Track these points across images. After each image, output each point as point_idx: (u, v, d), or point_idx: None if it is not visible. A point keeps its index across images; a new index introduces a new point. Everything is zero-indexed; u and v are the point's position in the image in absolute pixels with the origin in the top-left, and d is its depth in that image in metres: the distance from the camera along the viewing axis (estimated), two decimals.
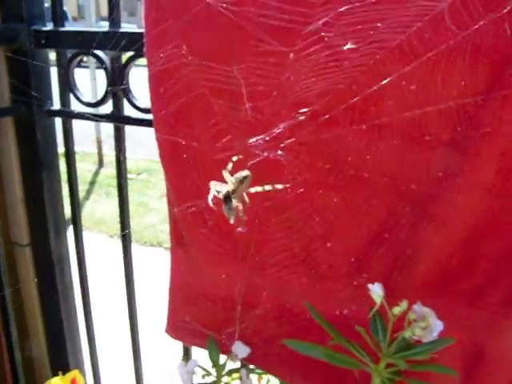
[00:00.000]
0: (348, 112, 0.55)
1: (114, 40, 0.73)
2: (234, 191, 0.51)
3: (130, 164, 4.31)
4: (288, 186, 0.55)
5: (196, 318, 0.78)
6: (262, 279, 0.71)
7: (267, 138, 0.54)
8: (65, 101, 0.83)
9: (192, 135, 0.65)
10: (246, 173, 0.52)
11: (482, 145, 0.53)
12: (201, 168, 0.65)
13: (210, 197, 0.54)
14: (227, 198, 0.50)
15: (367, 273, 0.65)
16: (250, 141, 0.54)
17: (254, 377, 0.77)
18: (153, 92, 0.66)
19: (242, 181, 0.51)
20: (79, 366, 0.99)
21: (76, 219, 0.89)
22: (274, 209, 0.63)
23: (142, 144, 4.65)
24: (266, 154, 0.54)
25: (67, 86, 0.81)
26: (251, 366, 0.77)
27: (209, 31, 0.60)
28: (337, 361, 0.55)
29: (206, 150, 0.62)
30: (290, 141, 0.54)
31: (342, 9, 0.51)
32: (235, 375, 0.76)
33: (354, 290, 0.66)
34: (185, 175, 0.67)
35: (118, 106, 0.78)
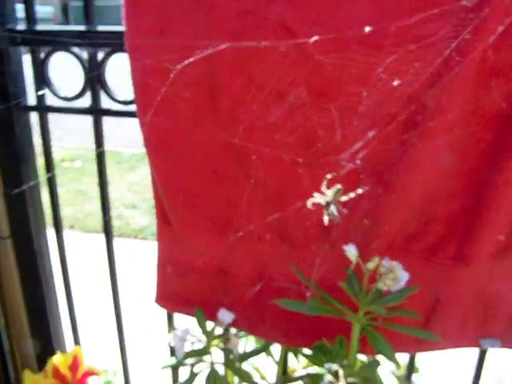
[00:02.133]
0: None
1: (89, 38, 0.78)
2: (331, 201, 0.63)
3: (62, 152, 4.26)
4: (366, 189, 0.65)
5: (183, 289, 0.84)
6: (242, 251, 0.78)
7: (350, 153, 0.64)
8: (40, 96, 0.87)
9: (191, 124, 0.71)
10: (338, 186, 0.63)
11: (435, 123, 0.62)
12: (197, 155, 0.72)
13: (310, 203, 0.64)
14: (327, 205, 0.62)
15: (336, 238, 0.73)
16: (341, 156, 0.64)
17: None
18: (138, 86, 0.71)
19: (336, 193, 0.63)
20: (63, 351, 1.03)
21: (56, 211, 0.93)
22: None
23: (71, 132, 4.60)
24: (350, 165, 0.64)
25: (43, 82, 0.85)
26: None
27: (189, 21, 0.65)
28: (322, 311, 0.64)
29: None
30: (363, 153, 0.64)
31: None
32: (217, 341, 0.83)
33: (324, 254, 0.75)
34: (172, 161, 0.73)
35: (96, 99, 0.83)
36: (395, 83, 0.59)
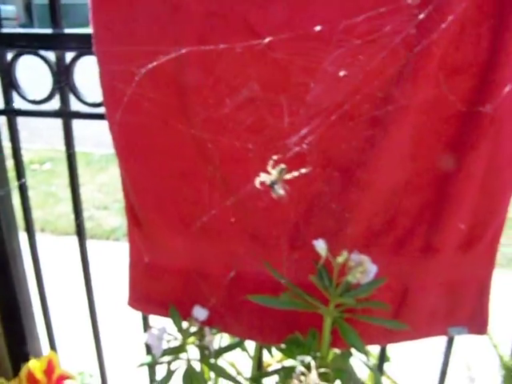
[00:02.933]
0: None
1: (57, 41, 0.78)
2: (276, 180, 0.66)
3: (31, 154, 4.20)
4: (310, 169, 0.68)
5: (156, 290, 0.85)
6: (213, 250, 0.79)
7: (297, 138, 0.67)
8: (8, 99, 0.86)
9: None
10: (282, 166, 0.66)
11: (397, 118, 0.65)
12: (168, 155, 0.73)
13: (257, 182, 0.66)
14: (273, 184, 0.65)
15: (306, 235, 0.75)
16: (287, 141, 0.67)
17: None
18: (106, 87, 0.71)
19: (280, 172, 0.65)
20: (38, 355, 1.03)
21: (27, 213, 0.93)
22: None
23: (39, 134, 4.53)
24: (296, 148, 0.67)
25: (10, 85, 0.84)
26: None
27: (155, 24, 0.66)
28: (294, 305, 0.66)
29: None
30: (311, 138, 0.67)
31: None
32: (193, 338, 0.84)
33: (294, 251, 0.76)
34: (141, 162, 0.74)
35: (65, 102, 0.83)
36: (340, 74, 0.62)
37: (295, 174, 0.66)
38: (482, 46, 0.61)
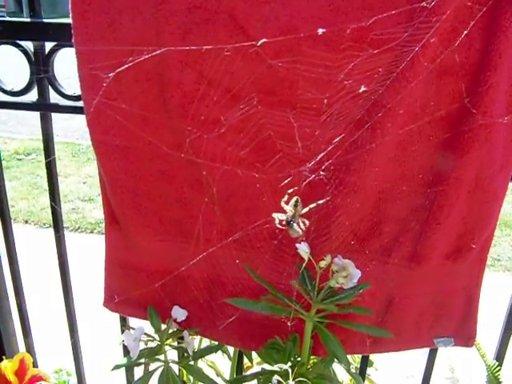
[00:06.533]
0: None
1: (36, 30, 0.75)
2: (293, 216, 0.62)
3: (16, 144, 4.15)
4: (329, 198, 0.66)
5: (133, 291, 0.82)
6: (192, 252, 0.77)
7: (312, 164, 0.65)
8: None
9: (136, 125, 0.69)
10: (295, 198, 0.63)
11: (384, 122, 0.63)
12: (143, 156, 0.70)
13: (277, 222, 0.64)
14: (289, 223, 0.62)
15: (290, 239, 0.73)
16: (301, 168, 0.65)
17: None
18: (84, 81, 0.69)
19: (295, 205, 0.62)
20: (15, 352, 1.00)
21: (3, 206, 0.90)
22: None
23: (26, 123, 4.47)
24: (313, 176, 0.65)
25: None
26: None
27: (138, 16, 0.63)
28: (275, 310, 0.64)
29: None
30: (327, 163, 0.65)
31: None
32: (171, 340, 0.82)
33: (275, 255, 0.74)
34: (118, 159, 0.71)
35: (43, 94, 0.80)
36: (360, 89, 0.59)
37: (312, 206, 0.63)
38: (474, 48, 0.59)
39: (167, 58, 0.63)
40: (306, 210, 0.63)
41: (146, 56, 0.62)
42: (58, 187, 0.88)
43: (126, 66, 0.63)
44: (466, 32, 0.57)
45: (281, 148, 0.64)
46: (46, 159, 0.85)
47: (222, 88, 0.62)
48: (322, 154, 0.63)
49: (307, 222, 0.63)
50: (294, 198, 0.63)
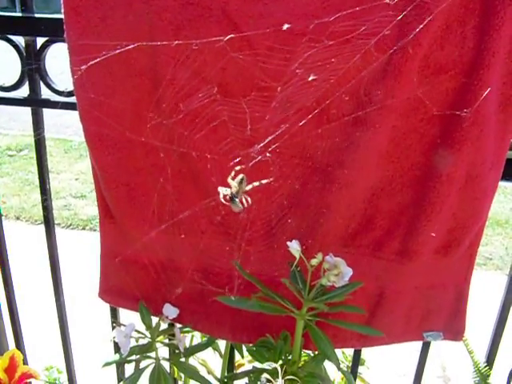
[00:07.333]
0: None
1: (27, 25, 0.74)
2: (237, 192, 0.64)
3: (8, 140, 4.13)
4: (272, 180, 0.66)
5: (127, 283, 0.82)
6: (185, 244, 0.77)
7: (260, 146, 0.66)
8: None
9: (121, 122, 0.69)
10: (241, 176, 0.64)
11: (377, 119, 0.63)
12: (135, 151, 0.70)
13: (221, 196, 0.66)
14: (232, 198, 0.64)
15: (282, 235, 0.73)
16: (250, 150, 0.66)
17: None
18: (76, 73, 0.68)
19: (240, 182, 0.64)
20: (4, 349, 1.00)
21: None
22: None
23: (17, 119, 4.45)
24: (260, 157, 0.66)
25: None
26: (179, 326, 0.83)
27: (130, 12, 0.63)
28: (267, 309, 0.64)
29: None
30: (274, 146, 0.66)
31: None
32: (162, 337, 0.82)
33: (269, 251, 0.74)
34: (112, 153, 0.71)
35: (34, 90, 0.79)
36: (310, 78, 0.60)
37: (256, 183, 0.65)
38: (468, 46, 0.60)
39: (159, 54, 0.63)
40: (249, 186, 0.65)
41: (129, 47, 0.63)
42: (49, 183, 0.88)
43: (99, 59, 0.63)
44: (460, 29, 0.58)
45: (232, 132, 0.66)
46: (37, 155, 0.85)
47: (187, 77, 0.63)
48: (270, 138, 0.65)
49: (249, 200, 0.65)
50: (240, 176, 0.64)
